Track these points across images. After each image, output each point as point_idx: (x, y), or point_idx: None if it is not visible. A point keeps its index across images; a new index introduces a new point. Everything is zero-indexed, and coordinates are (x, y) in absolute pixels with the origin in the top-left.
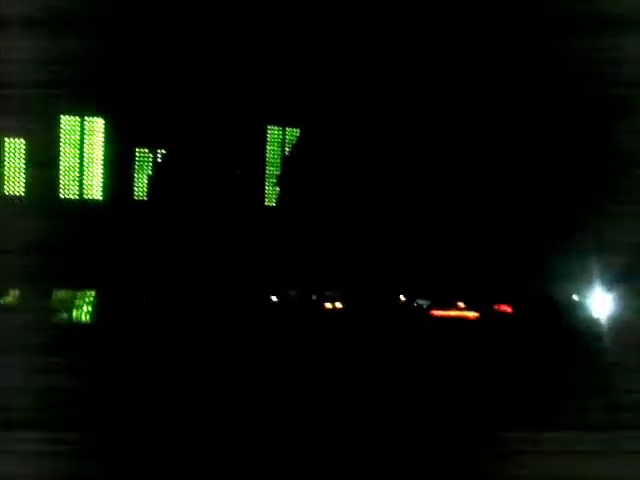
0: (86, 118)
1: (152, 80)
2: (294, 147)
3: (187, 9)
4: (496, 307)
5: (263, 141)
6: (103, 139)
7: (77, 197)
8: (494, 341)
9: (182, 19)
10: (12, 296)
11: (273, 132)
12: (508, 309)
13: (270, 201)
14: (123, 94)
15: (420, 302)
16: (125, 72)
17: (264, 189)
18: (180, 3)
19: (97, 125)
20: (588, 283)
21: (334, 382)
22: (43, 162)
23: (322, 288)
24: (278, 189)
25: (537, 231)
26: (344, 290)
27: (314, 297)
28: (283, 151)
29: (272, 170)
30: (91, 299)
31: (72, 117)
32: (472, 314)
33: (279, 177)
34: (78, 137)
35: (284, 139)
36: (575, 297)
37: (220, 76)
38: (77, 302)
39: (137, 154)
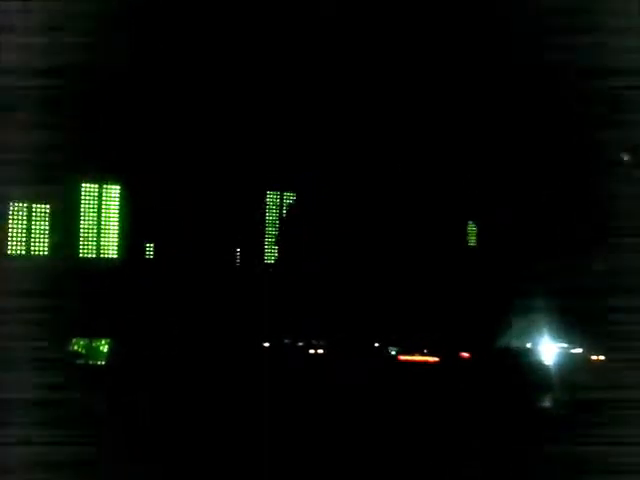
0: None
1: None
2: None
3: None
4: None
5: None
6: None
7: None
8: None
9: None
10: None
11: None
12: (466, 355)
13: (269, 259)
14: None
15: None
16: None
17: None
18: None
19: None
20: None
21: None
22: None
23: (308, 337)
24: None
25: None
26: (326, 338)
27: (300, 344)
28: (280, 213)
29: (270, 230)
30: (106, 345)
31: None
32: (433, 359)
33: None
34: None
35: (281, 202)
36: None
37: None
38: (94, 347)
39: None
